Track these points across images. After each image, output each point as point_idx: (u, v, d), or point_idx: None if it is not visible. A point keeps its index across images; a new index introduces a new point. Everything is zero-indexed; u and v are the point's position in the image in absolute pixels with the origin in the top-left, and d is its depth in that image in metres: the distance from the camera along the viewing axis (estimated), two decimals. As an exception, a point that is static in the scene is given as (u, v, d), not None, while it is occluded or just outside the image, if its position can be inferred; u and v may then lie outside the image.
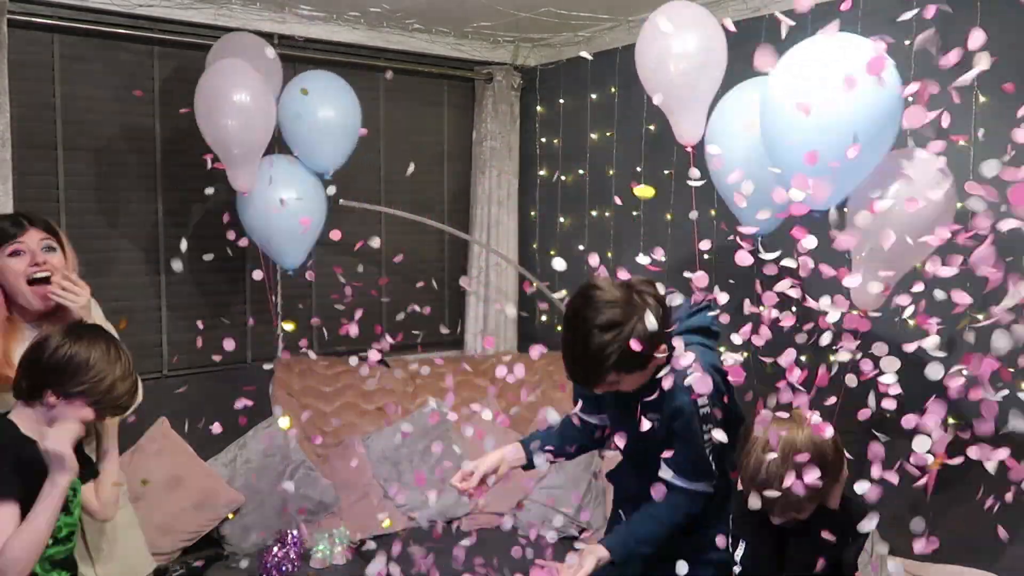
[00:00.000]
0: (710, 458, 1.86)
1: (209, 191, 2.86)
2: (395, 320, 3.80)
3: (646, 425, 1.81)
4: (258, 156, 2.84)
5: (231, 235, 2.77)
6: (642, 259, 2.11)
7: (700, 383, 1.72)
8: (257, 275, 2.68)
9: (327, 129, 2.98)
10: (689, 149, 2.52)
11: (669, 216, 3.34)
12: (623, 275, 1.89)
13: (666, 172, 3.34)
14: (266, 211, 2.92)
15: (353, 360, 2.54)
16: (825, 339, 1.88)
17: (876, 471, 1.76)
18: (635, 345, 1.71)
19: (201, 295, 3.29)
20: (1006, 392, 1.83)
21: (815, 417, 1.79)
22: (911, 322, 1.99)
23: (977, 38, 1.75)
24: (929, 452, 1.70)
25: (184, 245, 2.64)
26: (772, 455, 1.75)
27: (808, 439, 1.77)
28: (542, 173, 3.94)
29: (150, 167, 3.14)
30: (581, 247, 3.71)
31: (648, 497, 1.86)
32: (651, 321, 1.72)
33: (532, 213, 4.04)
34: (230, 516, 2.93)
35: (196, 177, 3.22)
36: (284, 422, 2.76)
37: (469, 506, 3.22)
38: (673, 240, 3.34)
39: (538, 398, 3.51)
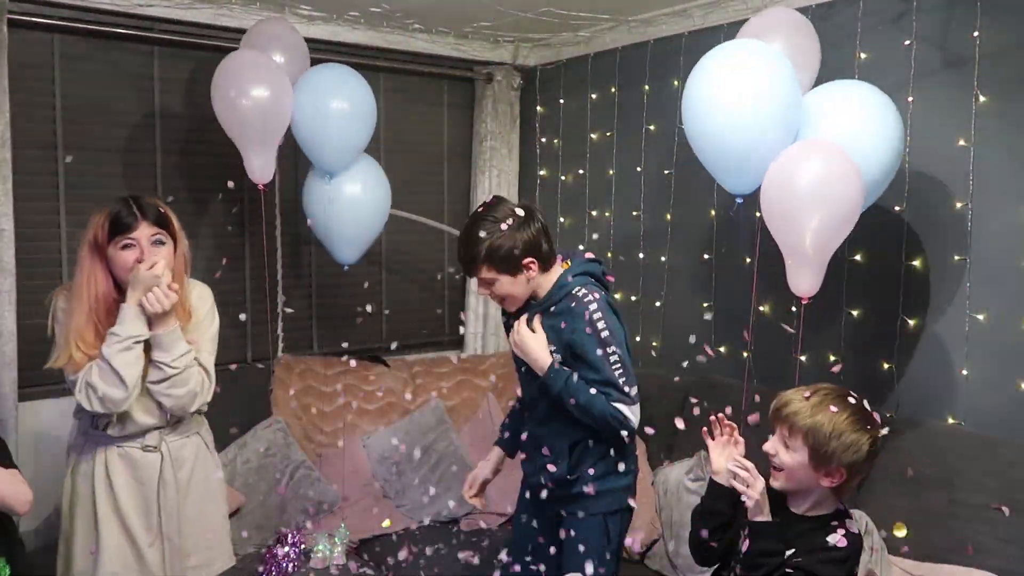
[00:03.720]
0: (620, 378, 2.07)
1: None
2: (394, 320, 3.83)
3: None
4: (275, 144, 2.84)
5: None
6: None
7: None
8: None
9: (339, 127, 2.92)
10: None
11: (669, 216, 3.34)
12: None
13: (666, 172, 3.34)
14: (330, 203, 2.95)
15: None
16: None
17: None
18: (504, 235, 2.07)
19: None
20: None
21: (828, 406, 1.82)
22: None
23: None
24: None
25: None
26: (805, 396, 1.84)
27: (835, 419, 1.80)
28: (542, 173, 3.94)
29: (150, 167, 3.14)
30: (581, 247, 3.71)
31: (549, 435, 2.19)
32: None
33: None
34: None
35: (196, 177, 3.23)
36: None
37: (474, 506, 3.21)
38: (673, 240, 3.34)
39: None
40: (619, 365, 2.08)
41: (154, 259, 2.06)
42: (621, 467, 2.19)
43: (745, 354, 3.04)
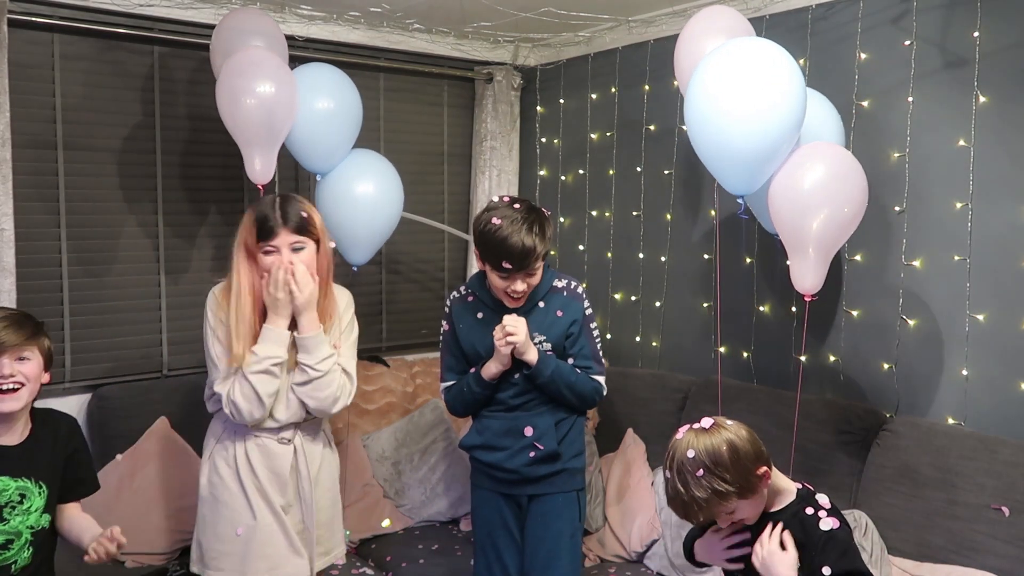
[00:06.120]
0: (600, 351, 2.43)
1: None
2: (394, 320, 3.83)
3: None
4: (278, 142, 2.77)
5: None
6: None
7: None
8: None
9: (325, 125, 2.88)
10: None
11: (669, 216, 3.34)
12: None
13: (666, 172, 3.34)
14: (343, 204, 2.93)
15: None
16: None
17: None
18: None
19: (201, 294, 3.28)
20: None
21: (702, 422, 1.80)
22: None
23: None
24: None
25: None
26: (668, 473, 1.77)
27: (701, 446, 1.74)
28: (542, 173, 3.94)
29: (150, 167, 3.14)
30: (581, 247, 3.72)
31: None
32: None
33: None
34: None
35: (196, 176, 3.23)
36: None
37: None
38: (672, 240, 3.34)
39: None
40: (598, 338, 2.44)
41: (281, 275, 2.14)
42: (585, 448, 2.47)
43: (745, 354, 3.04)
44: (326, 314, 2.24)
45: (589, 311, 2.41)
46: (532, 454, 2.34)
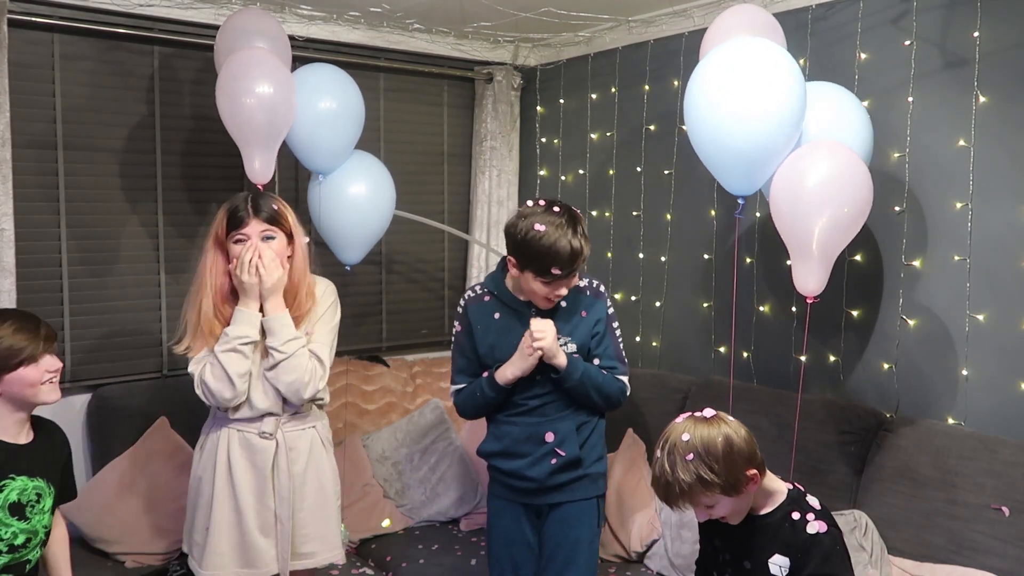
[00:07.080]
0: (623, 352, 2.37)
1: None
2: (394, 320, 3.83)
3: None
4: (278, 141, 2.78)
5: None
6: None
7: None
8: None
9: (328, 124, 2.89)
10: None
11: (669, 216, 3.34)
12: None
13: (666, 172, 3.34)
14: (337, 204, 2.94)
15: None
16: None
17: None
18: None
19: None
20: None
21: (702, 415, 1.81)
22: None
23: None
24: None
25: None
26: (659, 452, 1.79)
27: (697, 433, 1.75)
28: (542, 173, 3.94)
29: (151, 167, 3.14)
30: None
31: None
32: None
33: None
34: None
35: (197, 176, 3.23)
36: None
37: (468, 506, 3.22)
38: (672, 240, 3.34)
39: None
40: (620, 337, 2.37)
41: (249, 257, 2.16)
42: (605, 452, 2.39)
43: (745, 354, 3.04)
44: (303, 307, 2.25)
45: (611, 310, 2.35)
46: (554, 461, 2.25)
